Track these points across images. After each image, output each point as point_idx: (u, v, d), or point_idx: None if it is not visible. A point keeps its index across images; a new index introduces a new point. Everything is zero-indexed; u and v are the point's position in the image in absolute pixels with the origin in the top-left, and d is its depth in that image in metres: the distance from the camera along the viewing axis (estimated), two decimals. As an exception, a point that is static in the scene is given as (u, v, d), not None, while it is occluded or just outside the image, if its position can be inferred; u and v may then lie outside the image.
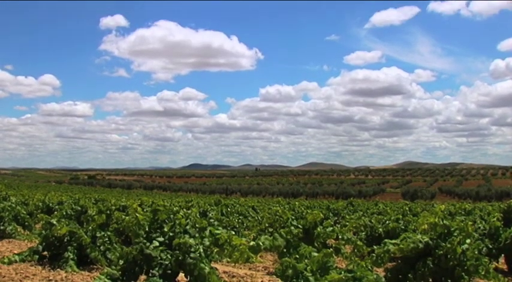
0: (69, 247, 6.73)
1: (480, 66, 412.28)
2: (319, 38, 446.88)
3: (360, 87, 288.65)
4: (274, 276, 6.11)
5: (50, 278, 6.02)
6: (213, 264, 4.81)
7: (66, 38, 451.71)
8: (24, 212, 11.30)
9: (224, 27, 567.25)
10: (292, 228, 6.36)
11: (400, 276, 5.24)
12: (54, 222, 7.00)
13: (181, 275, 4.71)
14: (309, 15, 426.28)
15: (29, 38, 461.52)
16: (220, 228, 5.17)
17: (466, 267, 5.08)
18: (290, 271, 3.87)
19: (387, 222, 10.05)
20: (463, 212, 14.93)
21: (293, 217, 7.69)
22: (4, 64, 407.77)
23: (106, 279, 4.56)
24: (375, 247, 5.55)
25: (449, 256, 5.07)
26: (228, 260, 5.56)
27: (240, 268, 7.72)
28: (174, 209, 9.46)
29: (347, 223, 11.45)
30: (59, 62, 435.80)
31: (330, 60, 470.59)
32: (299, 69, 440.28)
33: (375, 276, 3.85)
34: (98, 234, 6.96)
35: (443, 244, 5.17)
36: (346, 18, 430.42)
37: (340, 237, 7.61)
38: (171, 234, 4.86)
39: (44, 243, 7.00)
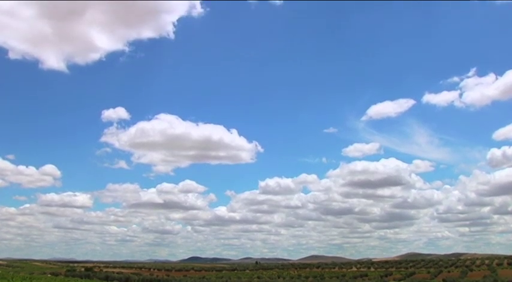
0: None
1: (477, 155, 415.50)
2: (318, 130, 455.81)
3: (359, 178, 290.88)
4: None
5: None
6: None
7: (68, 129, 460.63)
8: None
9: (224, 121, 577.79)
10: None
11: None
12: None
13: None
14: (307, 108, 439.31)
15: (31, 128, 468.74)
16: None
17: None
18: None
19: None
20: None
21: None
22: (6, 154, 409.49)
23: None
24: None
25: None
26: None
27: None
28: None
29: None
30: (60, 153, 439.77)
31: (329, 152, 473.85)
32: (298, 162, 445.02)
33: None
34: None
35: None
36: (343, 110, 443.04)
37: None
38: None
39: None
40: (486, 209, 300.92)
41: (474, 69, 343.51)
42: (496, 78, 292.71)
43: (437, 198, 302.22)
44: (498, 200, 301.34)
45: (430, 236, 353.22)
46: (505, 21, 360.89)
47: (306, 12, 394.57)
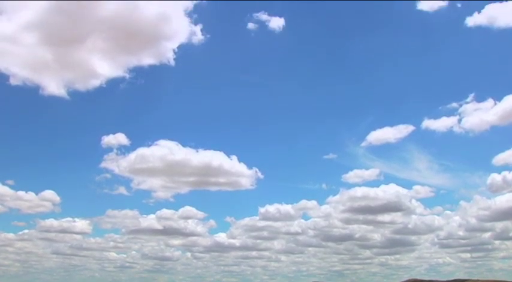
0: None
1: (477, 180, 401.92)
2: (317, 156, 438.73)
3: (359, 204, 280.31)
4: None
5: None
6: None
7: (68, 154, 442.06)
8: None
9: (224, 147, 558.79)
10: None
11: None
12: None
13: None
14: (306, 134, 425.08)
15: (31, 154, 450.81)
16: None
17: None
18: None
19: None
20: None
21: None
22: (5, 179, 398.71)
23: None
24: None
25: None
26: None
27: None
28: None
29: None
30: (60, 178, 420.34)
31: (329, 178, 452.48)
32: (298, 188, 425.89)
33: None
34: None
35: None
36: (343, 137, 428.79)
37: None
38: None
39: None
40: (487, 234, 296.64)
41: (472, 94, 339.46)
42: (495, 104, 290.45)
43: (438, 224, 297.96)
44: (499, 225, 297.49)
45: (431, 262, 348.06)
46: (502, 47, 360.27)
47: (305, 38, 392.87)
